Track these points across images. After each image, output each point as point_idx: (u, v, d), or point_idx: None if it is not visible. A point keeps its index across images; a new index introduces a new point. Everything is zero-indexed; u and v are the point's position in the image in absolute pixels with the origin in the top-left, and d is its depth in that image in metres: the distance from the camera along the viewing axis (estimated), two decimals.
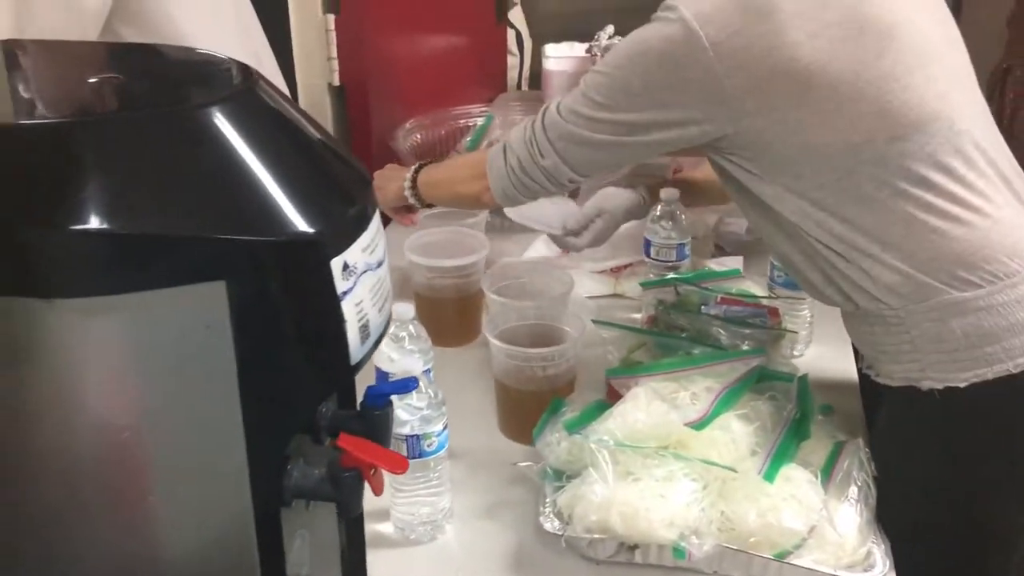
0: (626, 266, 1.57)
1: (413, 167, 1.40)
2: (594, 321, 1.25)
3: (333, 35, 1.72)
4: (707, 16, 0.96)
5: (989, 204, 1.02)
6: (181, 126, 0.61)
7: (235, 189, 0.61)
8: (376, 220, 0.71)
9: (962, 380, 1.01)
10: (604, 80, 1.06)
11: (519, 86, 2.73)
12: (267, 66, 1.64)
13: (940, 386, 1.02)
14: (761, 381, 1.12)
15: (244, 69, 0.68)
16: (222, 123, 0.62)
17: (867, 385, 1.16)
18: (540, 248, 1.65)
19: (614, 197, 1.48)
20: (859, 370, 1.22)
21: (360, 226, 0.67)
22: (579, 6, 2.86)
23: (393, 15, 1.88)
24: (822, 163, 1.01)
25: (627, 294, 1.52)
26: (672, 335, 1.21)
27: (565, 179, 1.14)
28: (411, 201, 1.39)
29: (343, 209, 0.67)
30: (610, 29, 2.34)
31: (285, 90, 1.67)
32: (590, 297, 1.50)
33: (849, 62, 0.98)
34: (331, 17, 1.71)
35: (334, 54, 1.73)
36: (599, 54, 2.24)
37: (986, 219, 1.01)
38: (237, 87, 0.65)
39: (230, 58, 0.70)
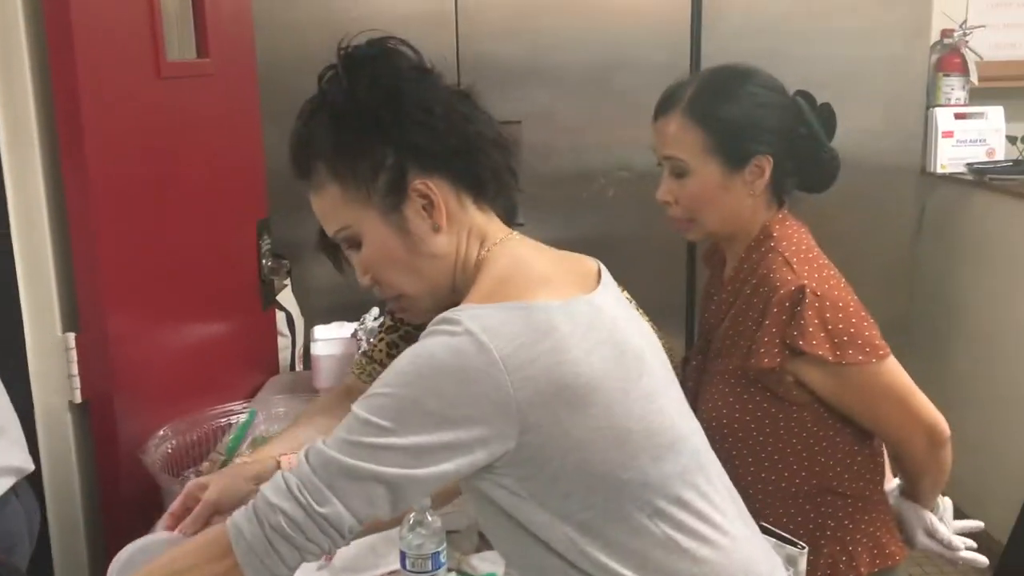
0: (392, 573, 1.53)
1: None
2: None
3: (74, 352, 1.67)
4: (494, 330, 0.96)
5: (726, 520, 1.08)
6: None
7: None
8: None
9: None
10: (388, 401, 0.98)
11: (293, 366, 2.72)
12: None
13: None
14: None
15: None
16: None
17: None
18: None
19: None
20: None
21: None
22: (350, 279, 2.95)
23: (144, 321, 1.85)
24: (593, 482, 1.01)
25: None
26: None
27: (346, 529, 0.99)
28: None
29: None
30: (375, 311, 2.42)
31: (15, 418, 1.59)
32: None
33: (619, 380, 1.02)
34: (71, 335, 1.66)
35: (75, 371, 1.67)
36: (363, 337, 2.29)
37: (726, 536, 1.07)
38: None
39: None
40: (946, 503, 1.59)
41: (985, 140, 3.15)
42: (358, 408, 1.00)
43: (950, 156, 3.15)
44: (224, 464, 1.83)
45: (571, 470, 1.00)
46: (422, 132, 1.06)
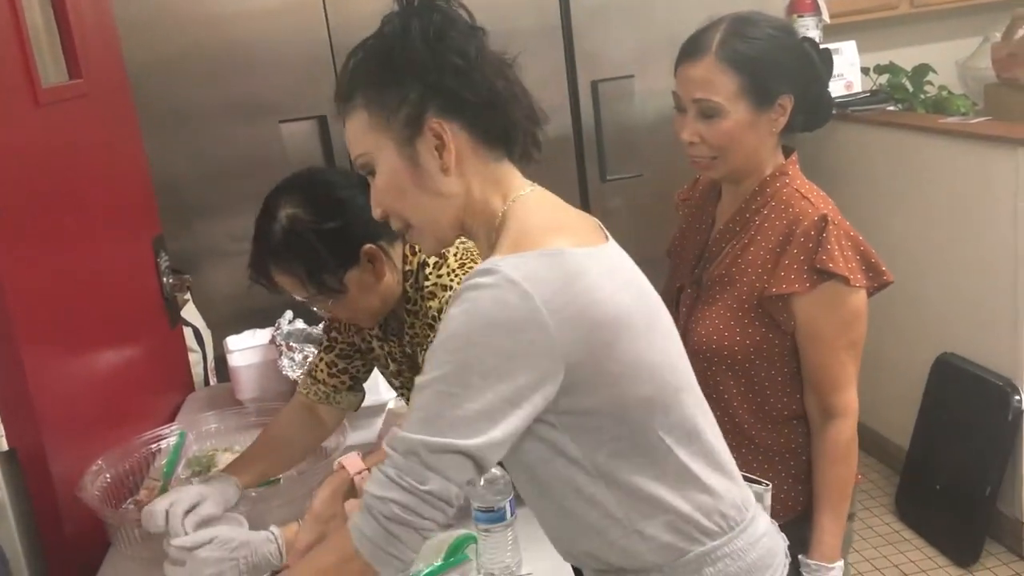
0: None
1: None
2: None
3: None
4: (532, 277, 1.01)
5: (725, 455, 1.19)
6: None
7: None
8: None
9: None
10: (450, 369, 1.01)
11: (207, 381, 2.67)
12: None
13: None
14: None
15: None
16: None
17: None
18: None
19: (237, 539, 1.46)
20: None
21: None
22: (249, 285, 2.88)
23: (59, 357, 1.79)
24: (623, 414, 1.08)
25: None
26: None
27: (453, 498, 1.04)
28: None
29: None
30: (289, 315, 2.40)
31: None
32: None
33: (643, 317, 1.10)
34: None
35: None
36: (283, 343, 2.27)
37: (727, 468, 1.18)
38: None
39: None
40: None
41: (843, 74, 3.33)
42: (423, 385, 1.04)
43: None
44: (163, 489, 1.80)
45: (605, 403, 1.07)
46: (453, 78, 1.09)
